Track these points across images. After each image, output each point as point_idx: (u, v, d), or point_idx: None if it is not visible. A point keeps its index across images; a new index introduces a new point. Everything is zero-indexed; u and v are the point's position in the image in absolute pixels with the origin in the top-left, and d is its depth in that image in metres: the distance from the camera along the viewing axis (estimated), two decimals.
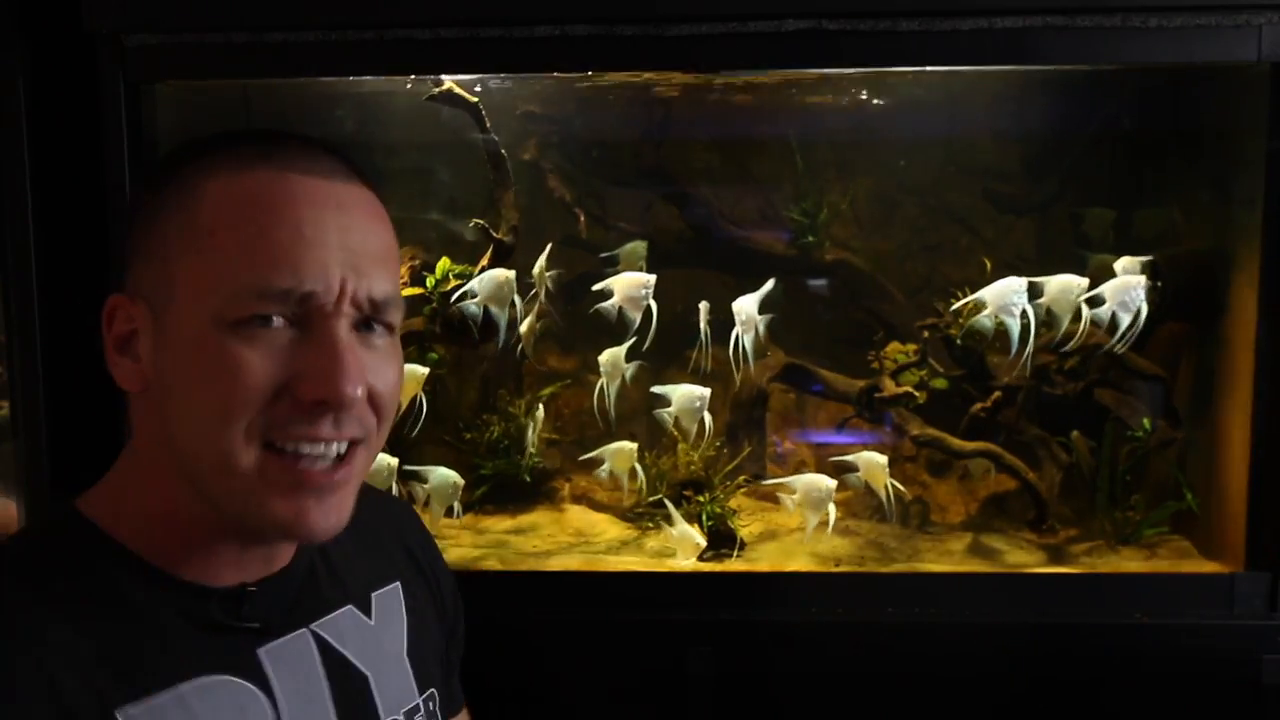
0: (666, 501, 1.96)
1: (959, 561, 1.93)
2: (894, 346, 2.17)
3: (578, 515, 2.16)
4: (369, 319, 0.82)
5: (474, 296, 1.97)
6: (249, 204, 0.78)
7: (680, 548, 1.91)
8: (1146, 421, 2.02)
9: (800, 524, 2.01)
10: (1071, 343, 1.88)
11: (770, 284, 1.96)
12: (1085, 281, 1.86)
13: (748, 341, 1.93)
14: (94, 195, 1.69)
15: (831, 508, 1.88)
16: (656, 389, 1.99)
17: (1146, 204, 2.13)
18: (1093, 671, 1.73)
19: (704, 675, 1.72)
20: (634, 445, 2.00)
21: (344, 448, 0.80)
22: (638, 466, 1.99)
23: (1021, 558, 1.93)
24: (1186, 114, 2.01)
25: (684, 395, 1.95)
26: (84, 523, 0.82)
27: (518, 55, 1.68)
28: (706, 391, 1.95)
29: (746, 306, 1.94)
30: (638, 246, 2.11)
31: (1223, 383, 1.88)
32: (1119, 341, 1.86)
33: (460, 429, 2.19)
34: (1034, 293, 1.87)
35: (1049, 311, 1.88)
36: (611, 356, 2.01)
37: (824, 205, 2.22)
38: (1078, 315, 1.87)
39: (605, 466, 2.00)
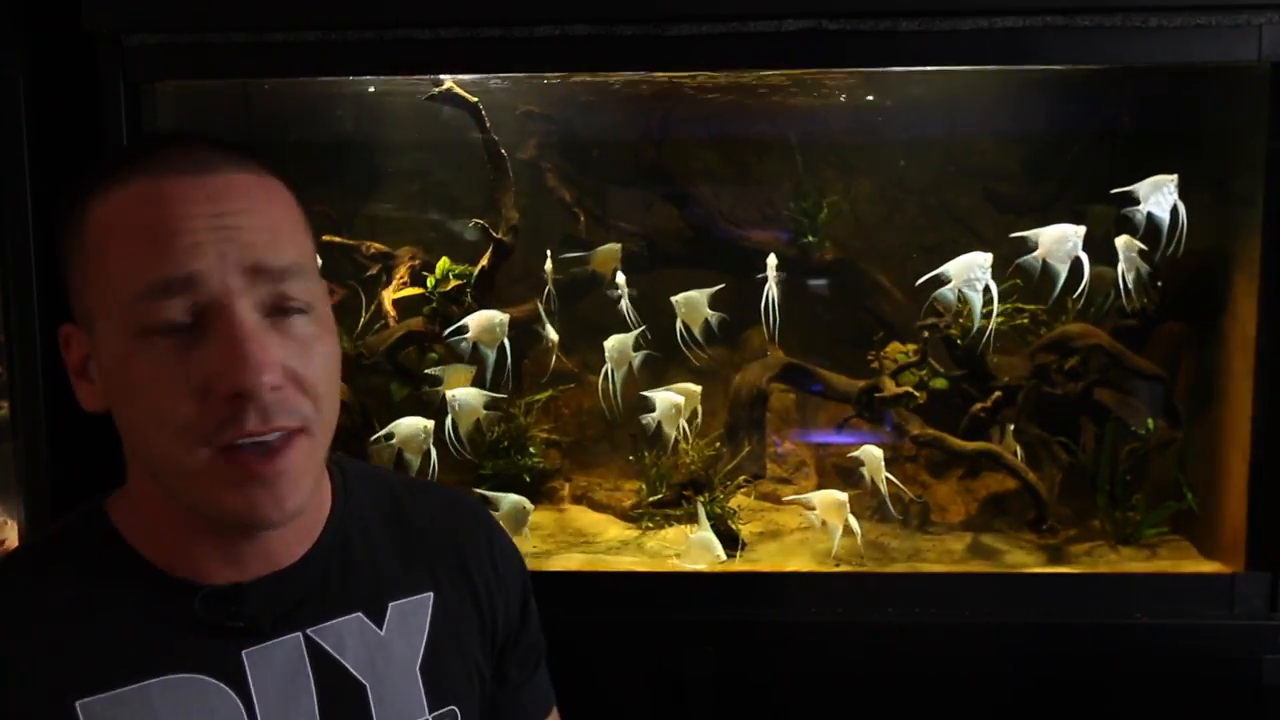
0: (700, 506, 1.96)
1: (959, 561, 1.93)
2: (894, 346, 2.16)
3: (578, 515, 2.16)
4: (281, 305, 0.81)
5: (465, 333, 2.00)
6: (128, 214, 0.79)
7: (697, 553, 1.90)
8: (1151, 421, 2.02)
9: (800, 524, 2.03)
10: (1077, 292, 1.85)
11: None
12: (1082, 229, 1.84)
13: (776, 296, 2.01)
14: None
15: (853, 519, 1.89)
16: (646, 393, 2.02)
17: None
18: (1093, 671, 1.73)
19: (704, 675, 1.72)
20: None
21: (278, 437, 0.80)
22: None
23: (1021, 558, 1.93)
24: (1186, 114, 2.01)
25: (663, 401, 2.00)
26: (103, 521, 0.85)
27: (518, 55, 1.68)
28: (680, 400, 1.99)
29: (774, 263, 2.02)
30: (612, 248, 2.12)
31: (1223, 383, 1.88)
32: (1169, 246, 1.82)
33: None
34: (1027, 249, 1.85)
35: (1045, 264, 1.84)
36: (618, 343, 2.02)
37: (824, 205, 2.22)
38: (1078, 276, 1.84)
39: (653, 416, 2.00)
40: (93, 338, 0.82)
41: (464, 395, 1.99)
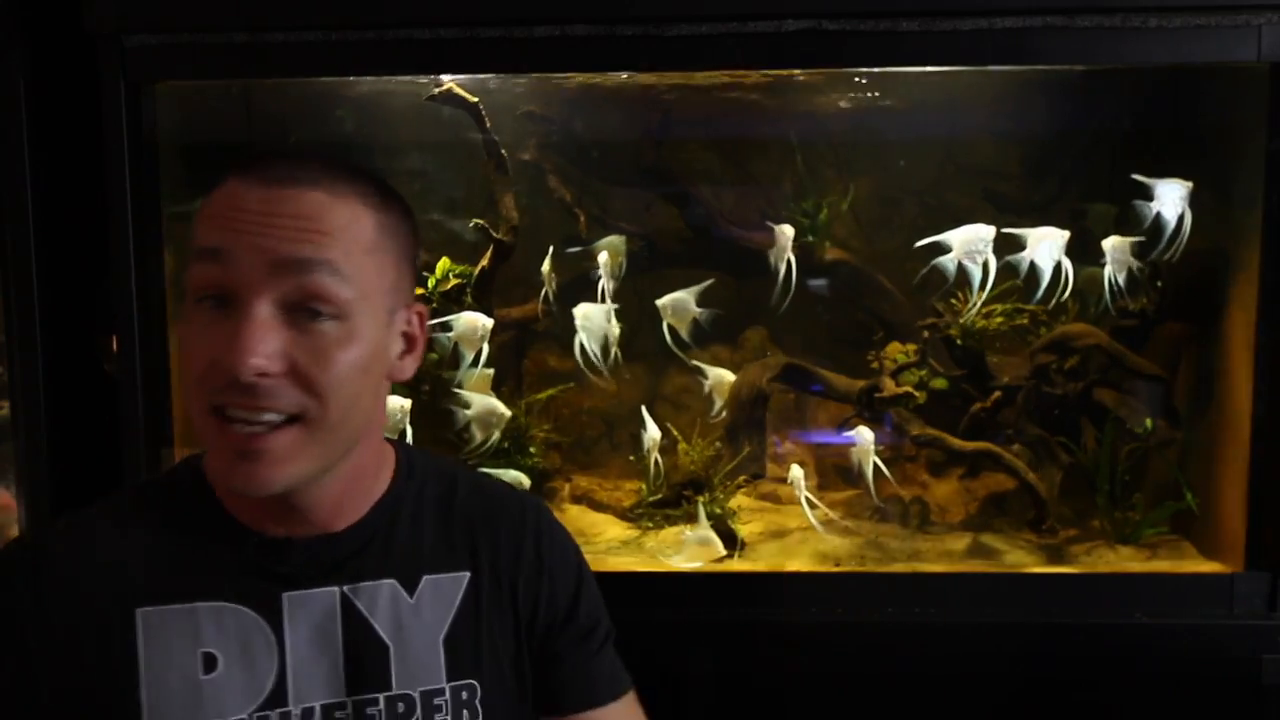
0: (700, 504, 1.97)
1: (959, 561, 1.93)
2: (894, 346, 2.16)
3: (578, 515, 2.16)
4: (305, 304, 0.88)
5: (449, 330, 2.02)
6: (210, 205, 0.91)
7: (692, 551, 1.90)
8: (1150, 421, 2.02)
9: (800, 525, 2.04)
10: (1053, 301, 1.90)
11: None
12: (1066, 234, 1.86)
13: (793, 266, 2.05)
14: (94, 195, 1.69)
15: (805, 492, 1.98)
16: (645, 413, 2.07)
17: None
18: (1093, 671, 1.73)
19: (704, 675, 1.72)
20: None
21: (276, 419, 0.88)
22: None
23: (1021, 558, 1.93)
24: (1187, 114, 2.01)
25: (651, 430, 2.07)
26: (195, 473, 0.99)
27: (518, 55, 1.68)
28: (658, 435, 2.06)
29: (790, 233, 2.07)
30: (614, 240, 2.13)
31: (1223, 383, 1.88)
32: (1168, 250, 1.85)
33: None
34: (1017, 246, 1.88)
35: (1032, 265, 1.86)
36: (586, 311, 2.03)
37: (824, 205, 2.22)
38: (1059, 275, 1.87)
39: None
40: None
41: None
